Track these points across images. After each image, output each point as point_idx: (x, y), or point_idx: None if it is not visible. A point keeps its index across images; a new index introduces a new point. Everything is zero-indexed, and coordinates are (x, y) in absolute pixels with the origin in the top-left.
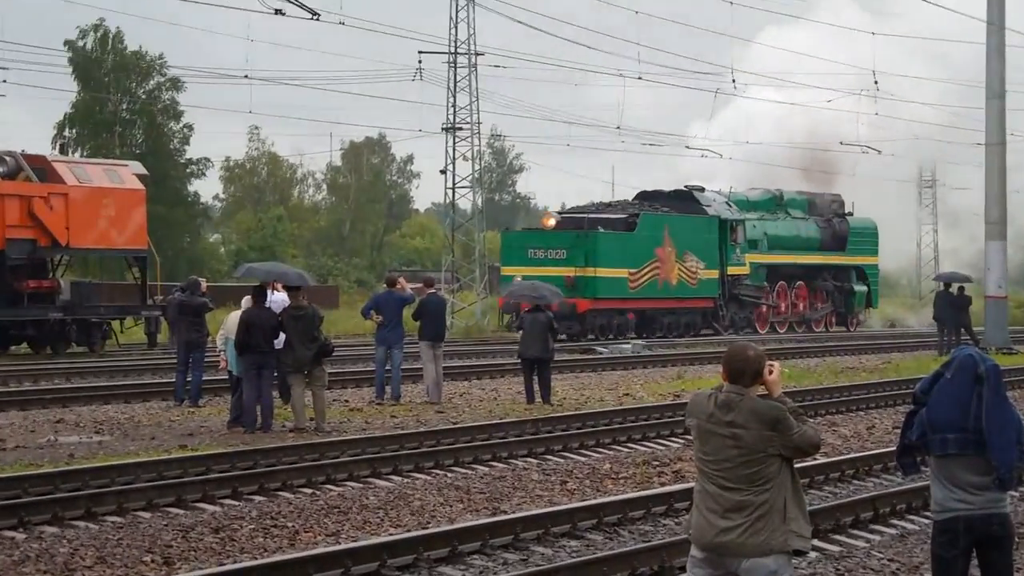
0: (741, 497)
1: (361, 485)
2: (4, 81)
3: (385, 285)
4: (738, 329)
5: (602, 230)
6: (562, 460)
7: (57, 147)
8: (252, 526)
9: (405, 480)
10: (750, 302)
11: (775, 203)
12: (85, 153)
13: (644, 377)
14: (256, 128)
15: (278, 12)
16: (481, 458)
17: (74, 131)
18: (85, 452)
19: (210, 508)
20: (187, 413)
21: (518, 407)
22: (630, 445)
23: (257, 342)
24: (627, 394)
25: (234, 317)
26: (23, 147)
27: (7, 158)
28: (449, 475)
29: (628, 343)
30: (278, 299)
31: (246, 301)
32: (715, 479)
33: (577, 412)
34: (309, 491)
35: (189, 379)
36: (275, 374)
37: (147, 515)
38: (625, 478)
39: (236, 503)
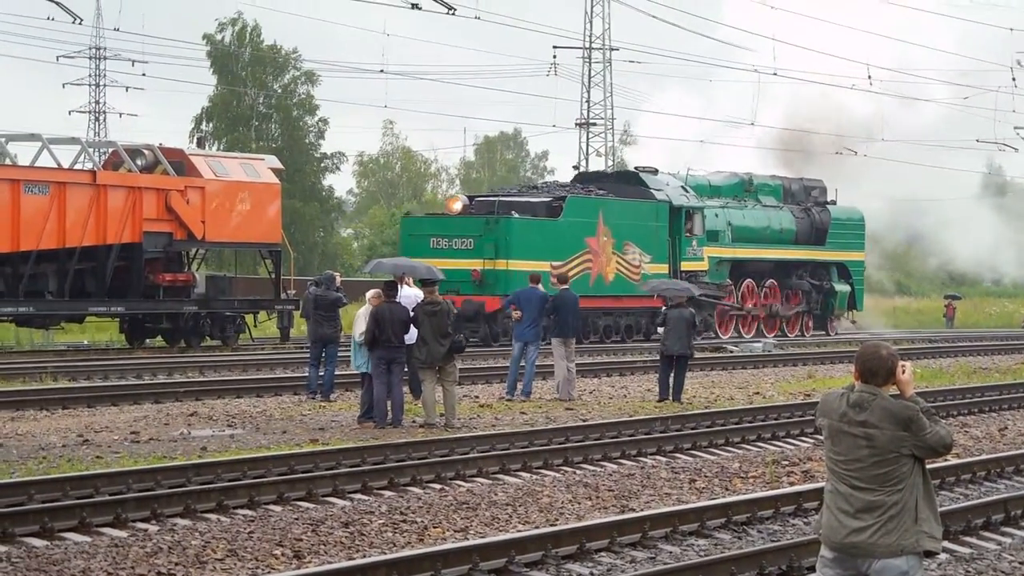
0: (873, 497)
1: (490, 481)
2: (143, 75)
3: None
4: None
5: (517, 216)
6: (691, 458)
7: (194, 141)
8: (381, 521)
9: (534, 477)
10: (709, 302)
11: (742, 189)
12: (222, 147)
13: (774, 376)
14: (390, 123)
15: (414, 7)
16: (610, 455)
17: (211, 125)
18: (217, 445)
19: (340, 502)
20: (318, 408)
21: (647, 405)
22: (759, 444)
23: (387, 337)
24: (757, 393)
25: (361, 313)
26: (161, 141)
27: (145, 151)
28: (578, 472)
29: (759, 341)
30: (408, 294)
31: (371, 296)
32: (847, 479)
33: (707, 410)
34: (438, 487)
35: (322, 373)
36: (405, 369)
37: (278, 508)
38: (754, 477)
39: (366, 498)
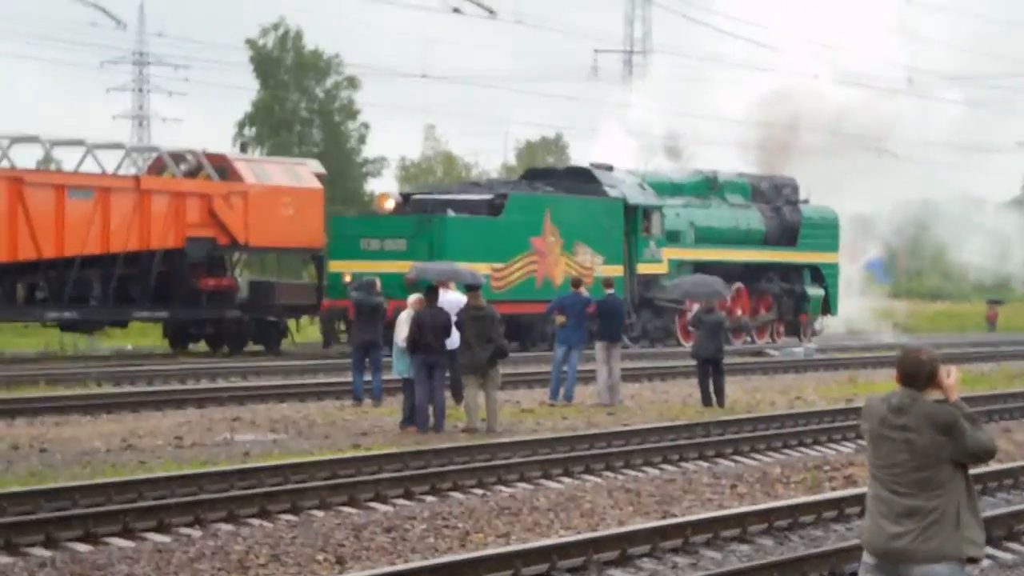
0: (913, 502)
1: (532, 486)
2: (186, 80)
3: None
4: (653, 341)
5: (453, 214)
6: (732, 464)
7: (237, 145)
8: (424, 526)
9: (576, 482)
10: (669, 308)
11: (707, 186)
12: (264, 152)
13: (816, 380)
14: (432, 127)
15: (456, 11)
16: (651, 461)
17: (254, 130)
18: (260, 450)
19: (382, 508)
20: (360, 413)
21: (689, 409)
22: (801, 449)
23: (429, 342)
24: (798, 397)
25: (402, 318)
26: (204, 146)
27: (188, 156)
28: (619, 477)
29: (800, 346)
30: (449, 299)
31: (412, 301)
32: (887, 484)
33: (748, 415)
34: (480, 492)
35: (367, 379)
36: (446, 374)
37: (320, 514)
38: (796, 482)
39: (408, 503)
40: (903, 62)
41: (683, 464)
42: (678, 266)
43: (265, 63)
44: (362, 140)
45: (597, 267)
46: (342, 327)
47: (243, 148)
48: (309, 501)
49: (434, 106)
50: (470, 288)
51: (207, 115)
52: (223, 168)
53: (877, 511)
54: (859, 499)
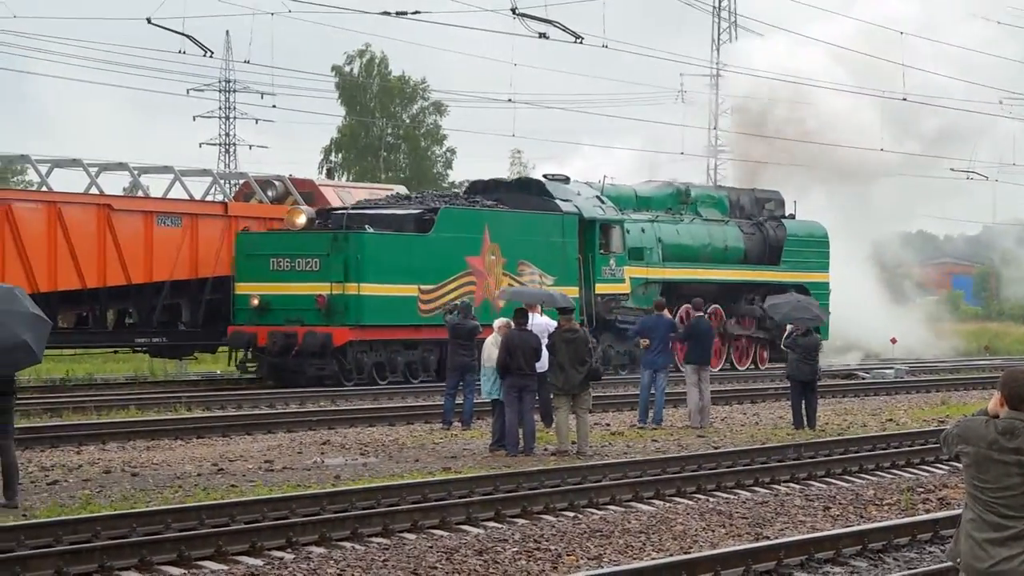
0: (1023, 526)
1: (623, 509)
2: (273, 107)
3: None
4: (616, 368)
5: (371, 230)
6: (825, 486)
7: (324, 171)
8: (515, 548)
9: (667, 504)
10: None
11: (677, 200)
12: (351, 177)
13: (907, 402)
14: (518, 152)
15: (542, 36)
16: (743, 483)
17: (340, 155)
18: (351, 473)
19: (473, 530)
20: (450, 436)
21: (780, 432)
22: (894, 471)
23: (519, 365)
24: (890, 419)
25: (490, 341)
26: (291, 171)
27: (275, 183)
28: (711, 500)
29: (891, 367)
30: (539, 322)
31: (500, 325)
32: (994, 507)
33: (840, 437)
34: (571, 514)
35: (458, 402)
36: (536, 397)
37: (412, 536)
38: (889, 504)
39: (499, 525)
40: (995, 83)
41: (775, 486)
42: (643, 285)
43: (351, 89)
44: (448, 165)
45: (546, 288)
46: (249, 355)
47: (329, 174)
48: (400, 524)
49: (521, 130)
50: (562, 311)
51: (293, 141)
52: (310, 194)
53: (981, 535)
54: (954, 521)
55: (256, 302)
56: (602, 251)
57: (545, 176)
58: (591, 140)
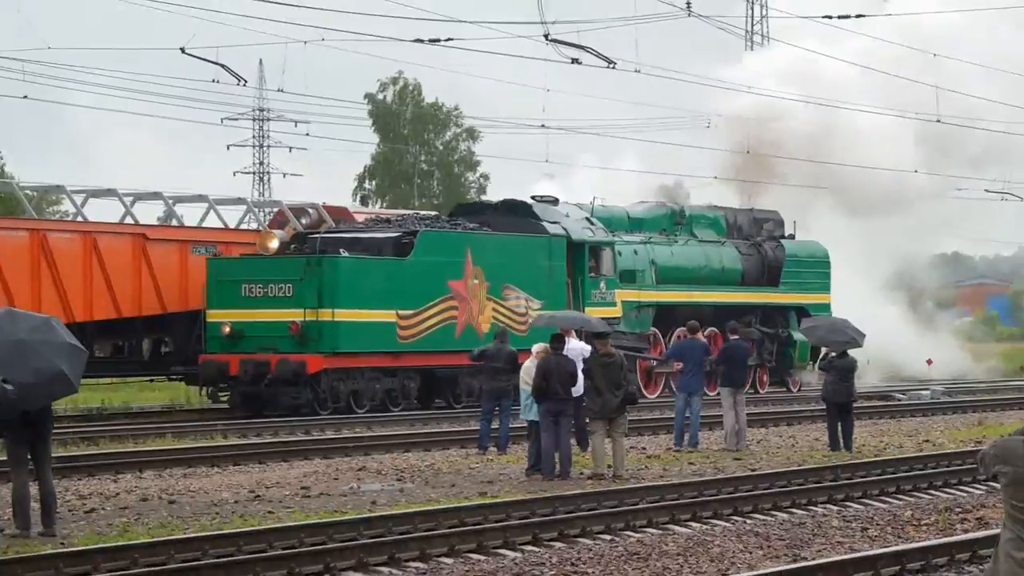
0: None
1: (660, 532)
2: (306, 135)
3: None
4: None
5: (346, 254)
6: (862, 507)
7: (358, 199)
8: (552, 572)
9: (704, 527)
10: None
11: (671, 221)
12: (384, 204)
13: (944, 423)
14: (551, 177)
15: (575, 61)
16: (780, 504)
17: (373, 183)
18: (387, 499)
19: (511, 554)
20: (486, 461)
21: (816, 454)
22: (931, 492)
23: (555, 390)
24: (927, 440)
25: (528, 366)
26: (324, 199)
27: (309, 210)
28: (748, 522)
29: (927, 388)
30: (575, 347)
31: (537, 350)
32: None
33: (876, 459)
34: (608, 537)
35: (494, 427)
36: (572, 421)
37: (449, 561)
38: (927, 525)
39: (536, 549)
40: None
41: (812, 508)
42: (635, 309)
43: (384, 117)
44: (482, 191)
45: (532, 312)
46: (222, 385)
47: (363, 201)
48: (437, 548)
49: (554, 156)
50: (599, 335)
51: (326, 168)
52: (344, 221)
53: (1019, 553)
54: (992, 541)
55: (228, 329)
56: (592, 274)
57: (533, 198)
58: (627, 165)
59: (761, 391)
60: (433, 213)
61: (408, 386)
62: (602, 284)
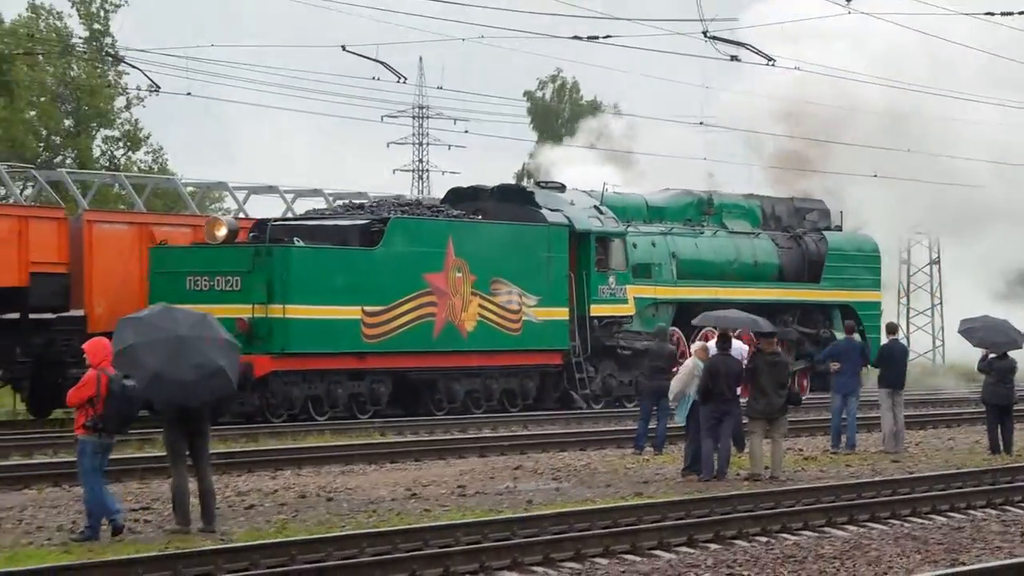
0: None
1: (816, 534)
2: (465, 132)
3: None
4: (619, 399)
5: (300, 244)
6: (1022, 511)
7: None
8: (708, 574)
9: (861, 530)
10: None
11: (697, 210)
12: None
13: None
14: (710, 175)
15: (733, 58)
16: (939, 508)
17: (531, 181)
18: (543, 498)
19: (665, 555)
20: (642, 461)
21: (975, 457)
22: None
23: (721, 390)
24: None
25: (687, 366)
26: None
27: None
28: (906, 525)
29: None
30: (736, 347)
31: (697, 349)
32: None
33: None
34: (764, 539)
35: (652, 426)
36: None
37: (604, 561)
38: None
39: (691, 551)
40: None
41: (971, 511)
42: (652, 306)
43: (542, 114)
44: None
45: (527, 309)
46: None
47: None
48: (592, 549)
49: (712, 153)
50: (765, 335)
51: (485, 165)
52: None
53: None
54: None
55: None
56: (599, 267)
57: (538, 184)
58: (784, 163)
59: (802, 393)
60: None
61: (377, 391)
62: (611, 279)
